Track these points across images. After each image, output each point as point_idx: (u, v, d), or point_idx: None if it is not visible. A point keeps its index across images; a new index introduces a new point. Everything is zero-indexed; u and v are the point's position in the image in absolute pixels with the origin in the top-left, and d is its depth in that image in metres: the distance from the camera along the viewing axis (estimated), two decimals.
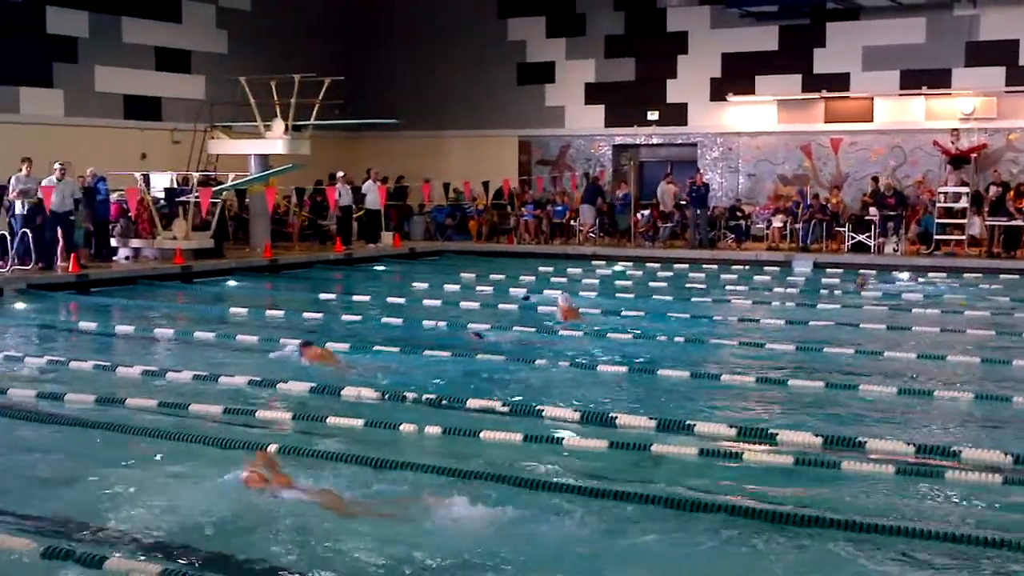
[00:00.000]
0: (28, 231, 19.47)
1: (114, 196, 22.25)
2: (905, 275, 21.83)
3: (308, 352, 11.86)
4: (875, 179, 26.23)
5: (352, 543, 6.42)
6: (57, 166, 19.86)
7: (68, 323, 16.15)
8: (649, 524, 6.70)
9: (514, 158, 31.60)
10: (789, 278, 21.74)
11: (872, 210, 25.30)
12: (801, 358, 12.49)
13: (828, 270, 22.69)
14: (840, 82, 27.52)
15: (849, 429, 8.94)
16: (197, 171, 24.49)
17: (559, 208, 28.66)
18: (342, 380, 10.83)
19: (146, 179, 23.33)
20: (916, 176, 26.58)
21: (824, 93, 27.61)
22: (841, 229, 25.50)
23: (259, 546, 6.39)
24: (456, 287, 19.72)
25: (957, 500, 7.28)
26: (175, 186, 23.21)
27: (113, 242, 22.53)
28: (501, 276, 21.19)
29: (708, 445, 8.34)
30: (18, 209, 19.73)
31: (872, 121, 27.38)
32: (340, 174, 26.42)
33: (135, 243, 22.73)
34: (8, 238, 19.37)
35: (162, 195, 23.04)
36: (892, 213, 24.80)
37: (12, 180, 20.15)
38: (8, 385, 10.78)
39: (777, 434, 8.55)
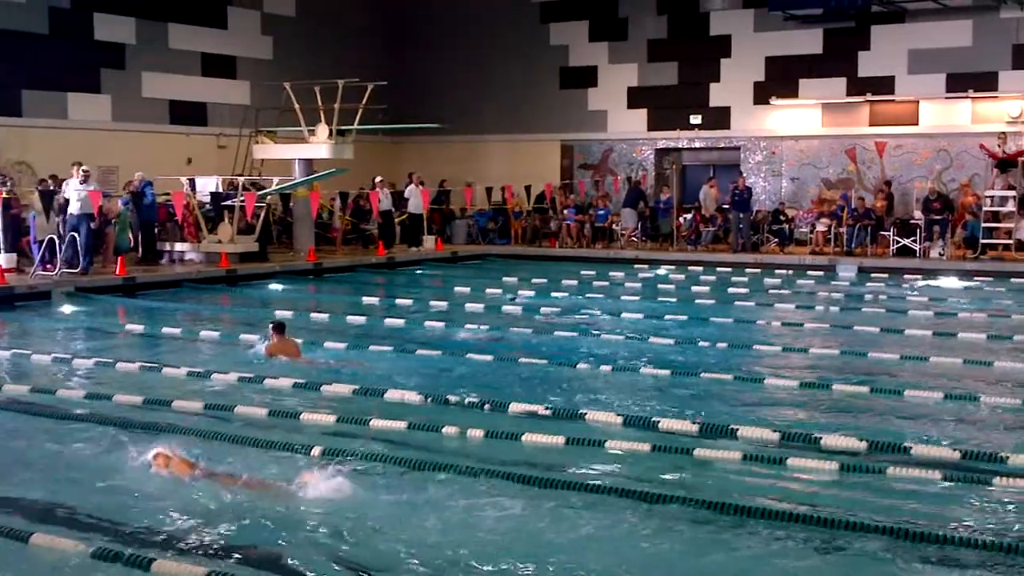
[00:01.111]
0: (76, 235, 19.67)
1: (160, 200, 22.45)
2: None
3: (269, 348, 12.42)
4: (888, 183, 26.40)
5: (402, 544, 6.46)
6: (81, 170, 19.84)
7: (115, 325, 16.33)
8: (690, 528, 6.70)
9: (556, 162, 31.61)
10: (833, 282, 21.61)
11: (917, 214, 25.10)
12: (845, 363, 12.42)
13: (873, 275, 22.53)
14: (885, 85, 27.30)
15: (894, 434, 8.87)
16: (242, 175, 24.69)
17: (601, 212, 28.63)
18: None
19: (192, 183, 23.54)
20: (962, 180, 26.29)
21: (869, 96, 27.41)
22: (886, 233, 25.28)
23: (302, 546, 6.45)
24: (498, 291, 19.76)
25: (1004, 507, 7.20)
26: (220, 190, 23.42)
27: (159, 245, 22.76)
28: (543, 280, 21.21)
29: (751, 449, 8.32)
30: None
31: (917, 124, 27.12)
32: (379, 179, 26.54)
33: (181, 247, 22.96)
34: (56, 242, 19.56)
35: (207, 199, 23.25)
36: (938, 217, 24.54)
37: (65, 185, 20.44)
38: (57, 386, 10.95)
39: (821, 439, 8.50)
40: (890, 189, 26.25)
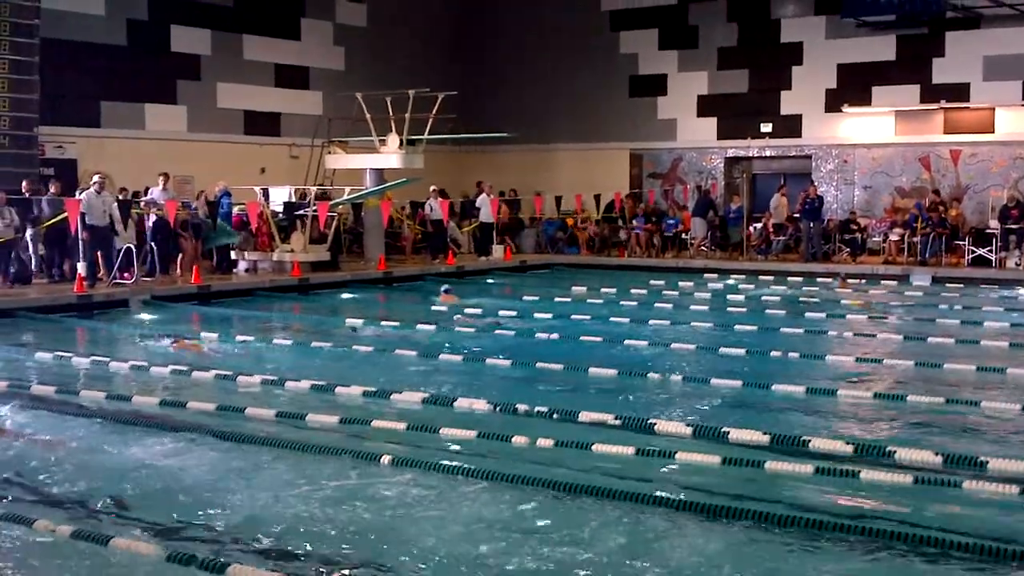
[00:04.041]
0: (153, 243, 20.00)
1: (235, 210, 22.80)
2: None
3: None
4: (936, 191, 26.38)
5: (473, 547, 6.50)
6: (96, 179, 19.94)
7: (190, 332, 16.57)
8: (761, 542, 6.65)
9: (625, 171, 31.57)
10: (907, 292, 21.30)
11: (993, 223, 24.70)
12: (920, 374, 12.25)
13: (947, 285, 22.19)
14: (960, 92, 26.90)
15: (971, 447, 8.72)
16: (314, 185, 24.98)
17: (671, 221, 28.52)
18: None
19: (265, 193, 23.85)
20: None
21: (943, 104, 27.02)
22: (961, 243, 24.89)
23: (372, 552, 6.52)
24: (567, 300, 19.74)
25: None
26: (293, 200, 23.71)
27: (233, 255, 23.09)
28: (612, 289, 21.17)
29: (823, 462, 8.23)
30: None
31: (993, 132, 26.70)
32: (432, 188, 26.65)
33: (254, 256, 23.26)
34: (133, 250, 19.89)
35: (281, 209, 23.54)
36: (1015, 227, 24.11)
37: (152, 193, 20.84)
38: (133, 393, 11.15)
39: (895, 452, 8.39)
40: (940, 198, 25.98)
